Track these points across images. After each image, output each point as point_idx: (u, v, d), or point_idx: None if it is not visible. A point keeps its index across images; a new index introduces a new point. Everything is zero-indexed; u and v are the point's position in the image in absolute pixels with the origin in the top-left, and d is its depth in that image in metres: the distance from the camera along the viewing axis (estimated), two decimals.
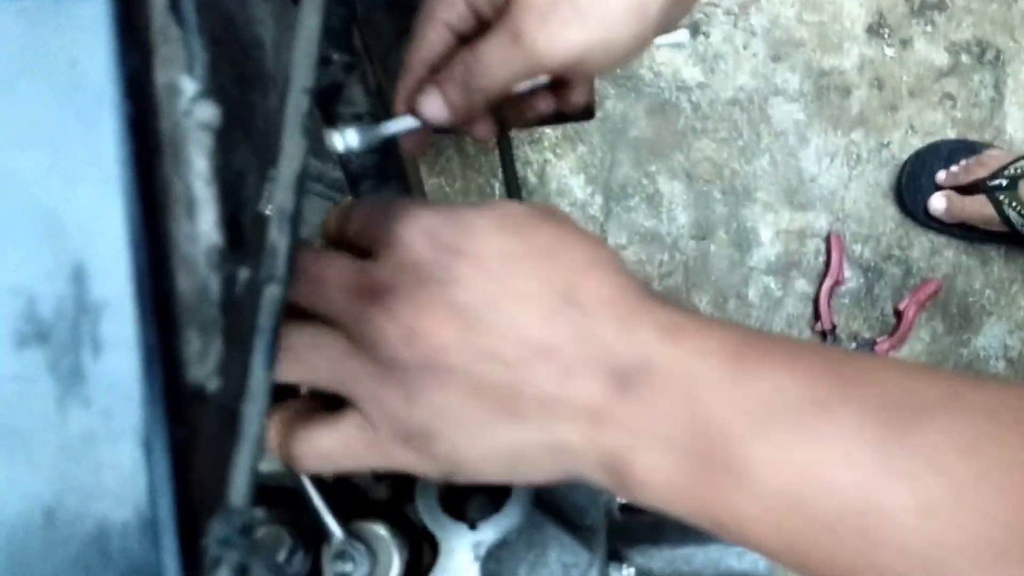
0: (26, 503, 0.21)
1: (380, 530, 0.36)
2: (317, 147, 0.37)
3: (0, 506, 0.21)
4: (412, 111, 0.39)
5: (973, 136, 1.03)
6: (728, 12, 1.01)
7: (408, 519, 0.37)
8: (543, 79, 0.38)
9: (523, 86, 0.38)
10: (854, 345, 1.02)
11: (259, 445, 0.23)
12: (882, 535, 0.23)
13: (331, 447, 0.29)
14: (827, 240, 1.01)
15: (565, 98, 0.41)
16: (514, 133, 0.96)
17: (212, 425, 0.24)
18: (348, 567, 0.34)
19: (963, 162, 0.98)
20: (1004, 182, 0.93)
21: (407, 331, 0.27)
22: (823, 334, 1.01)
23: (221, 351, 0.24)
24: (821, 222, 1.02)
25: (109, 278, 0.21)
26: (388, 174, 0.61)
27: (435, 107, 0.38)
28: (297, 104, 0.28)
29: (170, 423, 0.22)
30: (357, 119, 0.42)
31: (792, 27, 1.02)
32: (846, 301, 1.03)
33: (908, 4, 1.03)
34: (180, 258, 0.23)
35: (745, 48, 1.02)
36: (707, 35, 1.02)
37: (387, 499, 0.38)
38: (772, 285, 1.02)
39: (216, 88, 0.24)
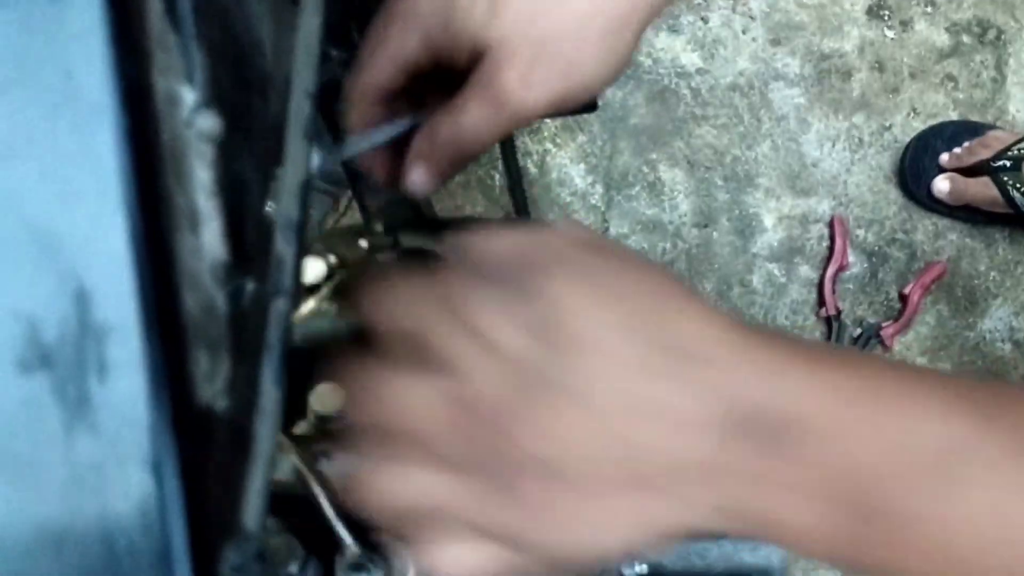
0: (35, 531, 0.21)
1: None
2: (317, 143, 0.36)
3: (8, 535, 0.21)
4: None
5: (975, 117, 1.02)
6: None
7: None
8: None
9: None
10: (859, 330, 1.01)
11: (271, 465, 0.22)
12: None
13: (473, 564, 0.27)
14: (830, 225, 1.01)
15: None
16: None
17: (223, 445, 0.23)
18: None
19: (966, 144, 0.97)
20: (1008, 163, 0.92)
21: (554, 458, 0.24)
22: (828, 320, 1.00)
23: (229, 368, 0.23)
24: (824, 207, 1.01)
25: (113, 299, 0.20)
26: None
27: (424, 182, 0.36)
28: (299, 109, 0.27)
29: (180, 446, 0.21)
30: None
31: (791, 10, 1.01)
32: (850, 286, 1.02)
33: None
34: (185, 275, 0.22)
35: (744, 32, 1.01)
36: (706, 20, 1.01)
37: None
38: (776, 272, 1.01)
39: (216, 95, 0.23)
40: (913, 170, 0.99)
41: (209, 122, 0.22)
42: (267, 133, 0.27)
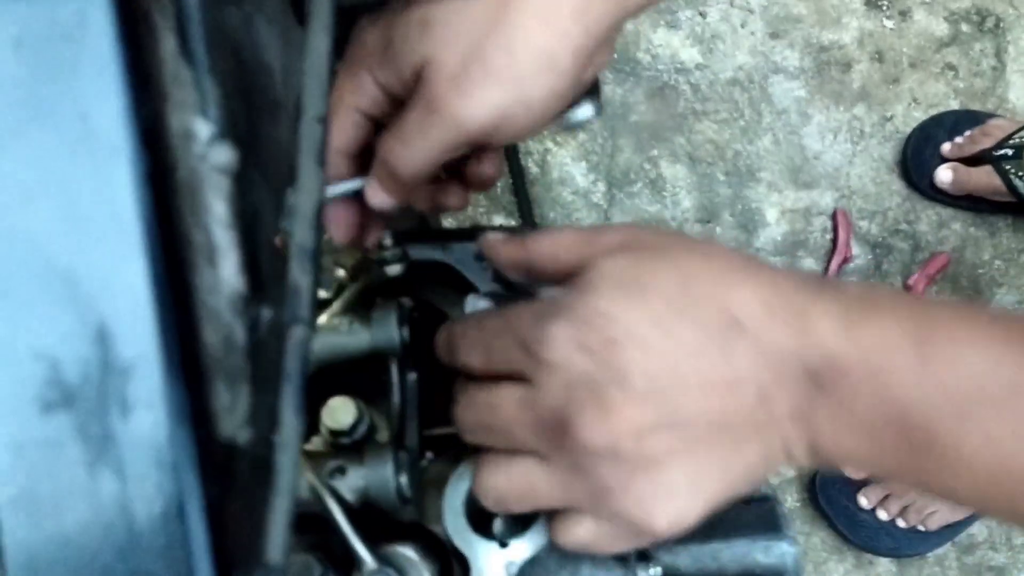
0: (60, 571, 0.21)
1: (410, 553, 0.35)
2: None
3: (34, 574, 0.21)
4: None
5: (976, 106, 1.02)
6: None
7: (437, 540, 0.37)
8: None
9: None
10: None
11: (294, 496, 0.23)
12: None
13: (589, 539, 0.31)
14: (833, 217, 1.01)
15: (474, 174, 0.39)
16: None
17: (245, 477, 0.23)
18: None
19: (967, 133, 0.97)
20: (1010, 151, 0.92)
21: (609, 446, 0.28)
22: None
23: (249, 400, 0.23)
24: (826, 200, 1.01)
25: (133, 336, 0.20)
26: None
27: (377, 198, 0.37)
28: (311, 134, 0.27)
29: (203, 481, 0.21)
30: None
31: (790, 3, 1.01)
32: (855, 278, 1.02)
33: None
34: (204, 309, 0.22)
35: (743, 27, 1.01)
36: (704, 15, 1.00)
37: (415, 520, 0.37)
38: (780, 265, 1.01)
39: (230, 126, 0.23)
40: (915, 160, 0.99)
41: (224, 155, 0.22)
42: (279, 158, 0.27)
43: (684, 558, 0.45)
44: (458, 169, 0.39)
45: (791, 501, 0.97)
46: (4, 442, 0.20)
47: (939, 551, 0.95)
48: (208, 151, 0.22)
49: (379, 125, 0.37)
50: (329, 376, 0.38)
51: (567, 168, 0.99)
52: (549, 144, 0.99)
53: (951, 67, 1.02)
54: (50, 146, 0.20)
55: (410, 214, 0.52)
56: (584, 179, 1.00)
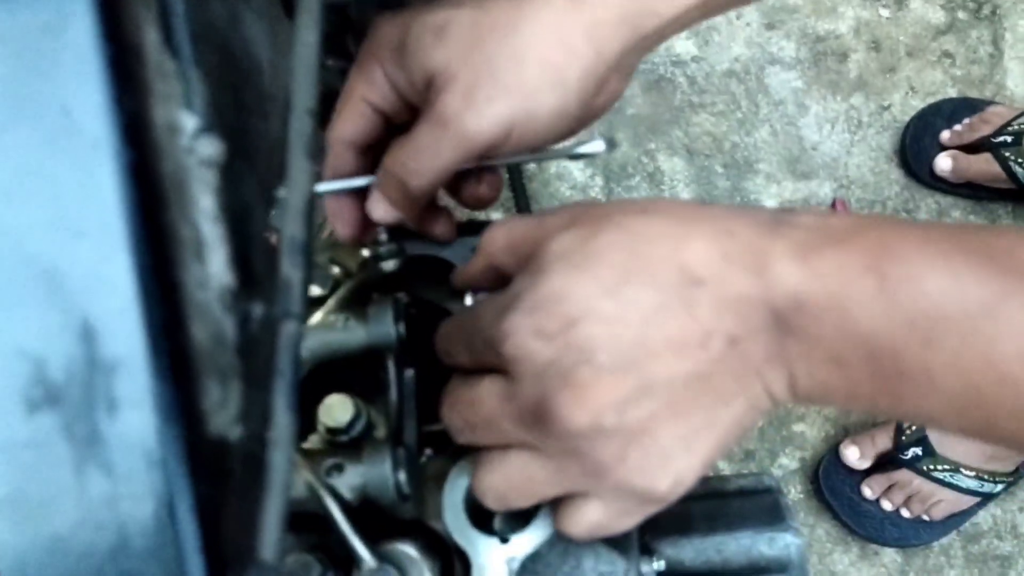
0: (50, 572, 0.20)
1: (410, 550, 0.35)
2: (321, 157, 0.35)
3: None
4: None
5: (974, 93, 1.01)
6: None
7: (437, 537, 0.37)
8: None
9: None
10: None
11: (287, 493, 0.22)
12: None
13: (597, 521, 0.31)
14: (832, 207, 1.00)
15: (472, 194, 0.39)
16: None
17: (237, 475, 0.23)
18: None
19: (966, 120, 0.97)
20: (1009, 138, 0.92)
21: (593, 424, 0.27)
22: None
23: (241, 396, 0.23)
24: (825, 190, 1.01)
25: (120, 334, 0.20)
26: None
27: (381, 211, 0.37)
28: (301, 127, 0.26)
29: (194, 479, 0.21)
30: None
31: None
32: None
33: None
34: (192, 305, 0.21)
35: (738, 18, 1.00)
36: None
37: (415, 518, 0.37)
38: None
39: (216, 119, 0.23)
40: (914, 149, 0.98)
41: (210, 148, 0.22)
42: (269, 153, 0.27)
43: (688, 551, 0.45)
44: (456, 186, 0.39)
45: (795, 493, 0.97)
46: None
47: (944, 540, 0.95)
48: (194, 144, 0.22)
49: (388, 123, 0.37)
50: (326, 374, 0.38)
51: (564, 163, 0.99)
52: None
53: (948, 55, 1.02)
54: (31, 140, 0.20)
55: None
56: (581, 174, 0.99)
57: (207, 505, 0.21)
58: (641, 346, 0.27)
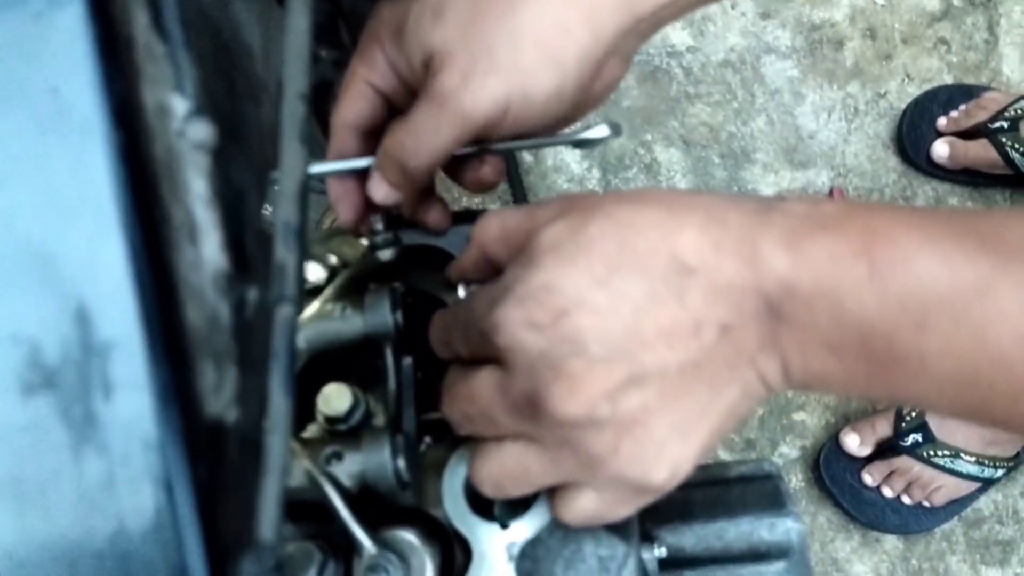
0: (48, 556, 0.20)
1: (411, 537, 0.35)
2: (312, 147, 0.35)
3: (22, 562, 0.20)
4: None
5: (970, 80, 1.01)
6: None
7: (437, 523, 0.37)
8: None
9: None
10: None
11: (285, 475, 0.22)
12: None
13: (593, 510, 0.31)
14: (830, 196, 1.00)
15: (474, 177, 0.39)
16: None
17: (234, 458, 0.23)
18: None
19: (962, 107, 0.97)
20: (1005, 124, 0.92)
21: (585, 415, 0.27)
22: None
23: (237, 380, 0.23)
24: (823, 179, 1.01)
25: (114, 317, 0.20)
26: None
27: (381, 192, 0.37)
28: (293, 111, 0.26)
29: (191, 462, 0.21)
30: None
31: None
32: None
33: None
34: (186, 288, 0.21)
35: (733, 8, 1.00)
36: None
37: (415, 505, 0.37)
38: None
39: (208, 103, 0.23)
40: (911, 136, 0.98)
41: (202, 131, 0.22)
42: (261, 139, 0.27)
43: (689, 538, 0.45)
44: (458, 171, 0.39)
45: (796, 481, 0.97)
46: None
47: (946, 526, 0.95)
48: (185, 127, 0.22)
49: (390, 107, 0.38)
50: (324, 364, 0.38)
51: (561, 155, 0.99)
52: None
53: (944, 42, 1.02)
54: (21, 123, 0.20)
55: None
56: (578, 166, 0.99)
57: (205, 488, 0.21)
58: (633, 336, 0.27)
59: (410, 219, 0.40)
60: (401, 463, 0.34)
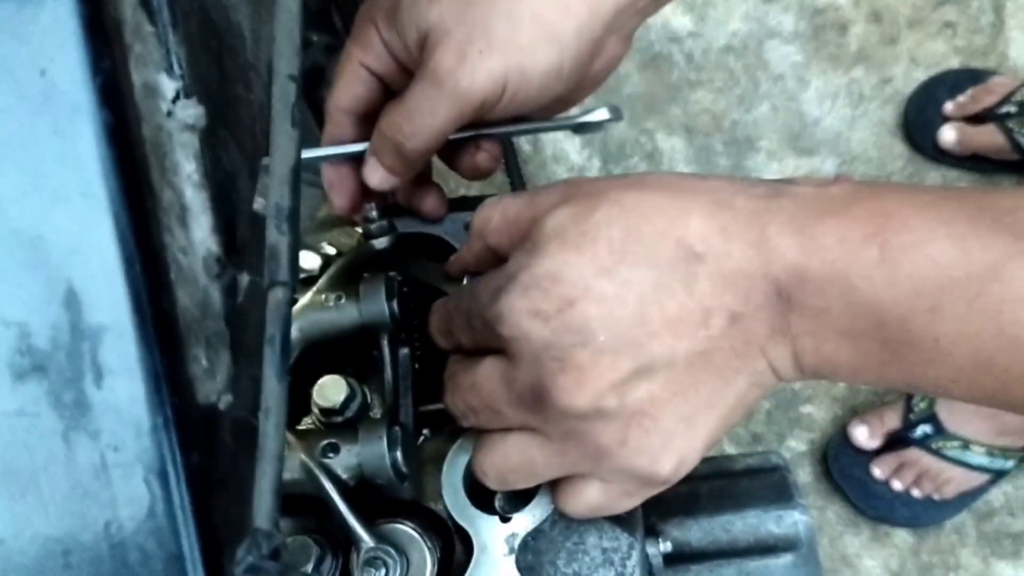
0: (41, 545, 0.20)
1: (410, 531, 0.35)
2: (304, 134, 0.35)
3: (14, 550, 0.20)
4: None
5: (977, 64, 1.00)
6: None
7: (436, 516, 0.36)
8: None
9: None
10: None
11: (281, 461, 0.22)
12: None
13: (598, 502, 0.31)
14: None
15: (471, 162, 0.39)
16: None
17: (229, 443, 0.22)
18: (381, 572, 0.32)
19: (969, 91, 0.95)
20: (1013, 109, 0.91)
21: (592, 407, 0.27)
22: None
23: (230, 365, 0.22)
24: (828, 166, 1.00)
25: (104, 300, 0.20)
26: None
27: (376, 177, 0.36)
28: (284, 93, 0.26)
29: (184, 447, 0.21)
30: None
31: None
32: None
33: None
34: (177, 271, 0.21)
35: None
36: None
37: (413, 498, 0.37)
38: None
39: (197, 85, 0.22)
40: (917, 122, 0.97)
41: (192, 111, 0.21)
42: (252, 124, 0.27)
43: (695, 532, 0.45)
44: (454, 157, 0.39)
45: (804, 475, 0.96)
46: None
47: (956, 519, 0.94)
48: (174, 108, 0.21)
49: (386, 91, 0.37)
50: (320, 355, 0.38)
51: (560, 145, 0.98)
52: None
53: (950, 25, 1.01)
54: (9, 105, 0.19)
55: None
56: (578, 156, 0.99)
57: (199, 474, 0.21)
58: (640, 326, 0.27)
59: (406, 206, 0.40)
60: (399, 455, 0.34)
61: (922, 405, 0.89)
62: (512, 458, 0.30)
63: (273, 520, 0.21)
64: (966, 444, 0.88)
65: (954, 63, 1.00)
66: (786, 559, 0.44)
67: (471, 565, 0.33)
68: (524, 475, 0.31)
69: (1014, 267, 0.24)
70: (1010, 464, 0.89)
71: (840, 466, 0.93)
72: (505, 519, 0.34)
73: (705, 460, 0.30)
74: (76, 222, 0.20)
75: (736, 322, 0.27)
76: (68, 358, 0.20)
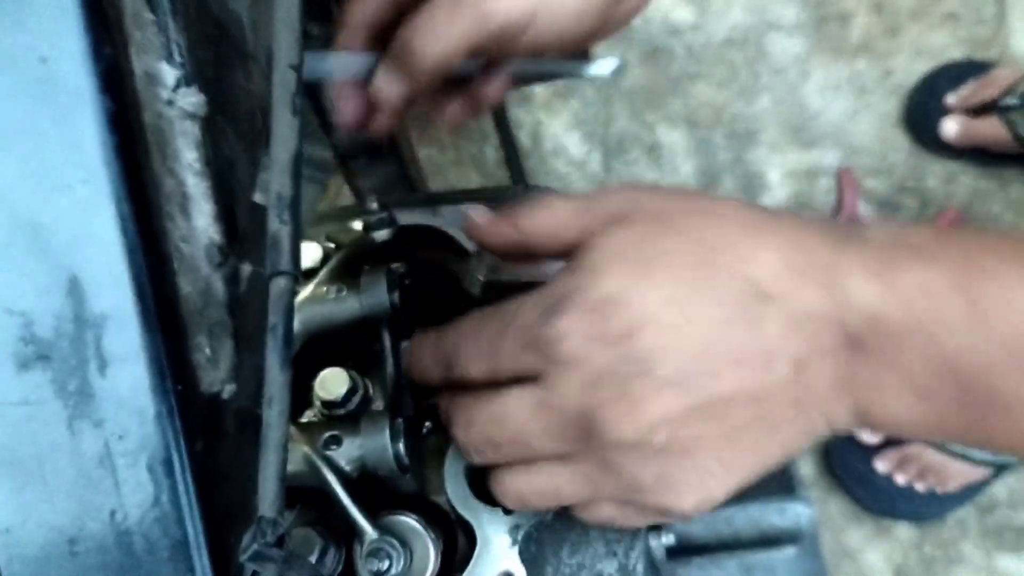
0: (46, 534, 0.20)
1: (413, 523, 0.35)
2: (304, 127, 0.35)
3: (20, 538, 0.20)
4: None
5: (979, 55, 1.00)
6: None
7: (439, 509, 0.36)
8: (476, 63, 0.35)
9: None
10: None
11: (284, 450, 0.22)
12: None
13: (612, 517, 0.30)
14: (837, 177, 0.99)
15: (482, 91, 0.37)
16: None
17: (233, 433, 0.22)
18: (384, 564, 0.32)
19: (971, 83, 0.95)
20: (1015, 101, 0.90)
21: (640, 439, 0.26)
22: None
23: (233, 354, 0.22)
24: (830, 159, 0.99)
25: (107, 289, 0.20)
26: (380, 151, 0.58)
27: (386, 84, 0.35)
28: (284, 82, 0.26)
29: (188, 435, 0.21)
30: None
31: None
32: None
33: None
34: (179, 260, 0.21)
35: None
36: None
37: (415, 491, 0.37)
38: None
39: (198, 73, 0.22)
40: (920, 114, 0.97)
41: (192, 99, 0.21)
42: (253, 113, 0.27)
43: (698, 525, 0.45)
44: (457, 90, 0.38)
45: (806, 469, 0.96)
46: None
47: (959, 513, 0.94)
48: (175, 96, 0.21)
49: (401, 8, 0.36)
50: (321, 348, 0.38)
51: (560, 139, 0.98)
52: (540, 115, 0.98)
53: (952, 16, 1.00)
54: (10, 93, 0.19)
55: (397, 181, 0.50)
56: (578, 149, 0.98)
57: (204, 462, 0.21)
58: (702, 362, 0.25)
59: (429, 115, 0.38)
60: (401, 447, 0.34)
61: None
62: (536, 485, 0.30)
63: (278, 508, 0.21)
64: None
65: (956, 55, 1.00)
66: (788, 552, 0.44)
67: (474, 557, 0.33)
68: (546, 500, 0.30)
69: None
70: (1013, 458, 0.89)
71: (842, 460, 0.93)
72: (508, 511, 0.34)
73: None
74: (78, 210, 0.20)
75: (800, 371, 0.26)
76: (72, 347, 0.20)
